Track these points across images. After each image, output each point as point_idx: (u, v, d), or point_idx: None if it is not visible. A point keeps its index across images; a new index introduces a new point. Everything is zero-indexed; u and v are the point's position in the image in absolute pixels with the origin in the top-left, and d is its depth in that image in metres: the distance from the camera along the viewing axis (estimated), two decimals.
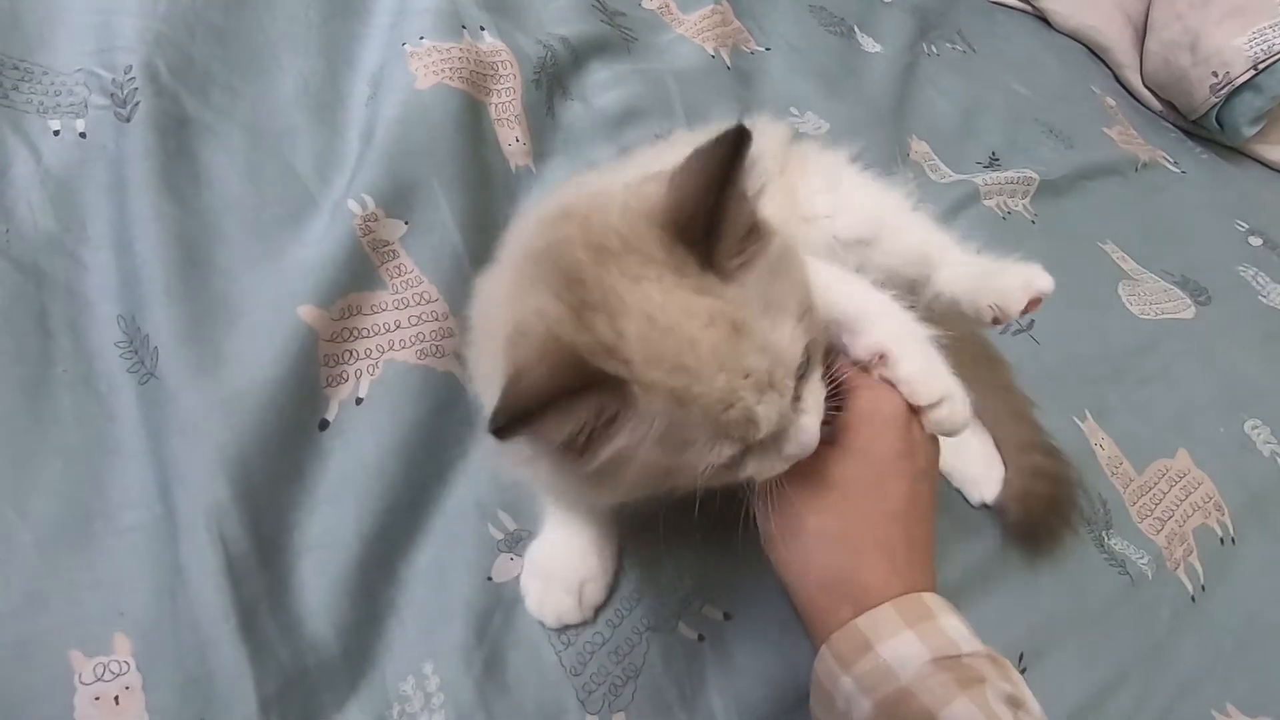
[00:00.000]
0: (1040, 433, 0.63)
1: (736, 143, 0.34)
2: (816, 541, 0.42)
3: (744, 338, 0.34)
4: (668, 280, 0.35)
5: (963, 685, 0.37)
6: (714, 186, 0.34)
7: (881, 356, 0.42)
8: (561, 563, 0.50)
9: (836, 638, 0.39)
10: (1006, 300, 0.51)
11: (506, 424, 0.33)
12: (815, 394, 0.40)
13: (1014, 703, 0.37)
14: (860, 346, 0.43)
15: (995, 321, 0.53)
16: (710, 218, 0.34)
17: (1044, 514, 0.60)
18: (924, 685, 0.37)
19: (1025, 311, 0.52)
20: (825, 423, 0.40)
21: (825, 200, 0.57)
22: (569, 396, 0.33)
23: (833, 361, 0.43)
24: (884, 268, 0.57)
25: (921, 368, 0.43)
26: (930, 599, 0.40)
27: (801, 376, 0.38)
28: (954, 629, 0.39)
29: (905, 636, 0.38)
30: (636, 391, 0.34)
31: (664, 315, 0.34)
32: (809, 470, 0.41)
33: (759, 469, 0.39)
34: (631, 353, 0.34)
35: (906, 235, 0.57)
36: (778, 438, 0.38)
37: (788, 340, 0.36)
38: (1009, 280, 0.52)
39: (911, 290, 0.58)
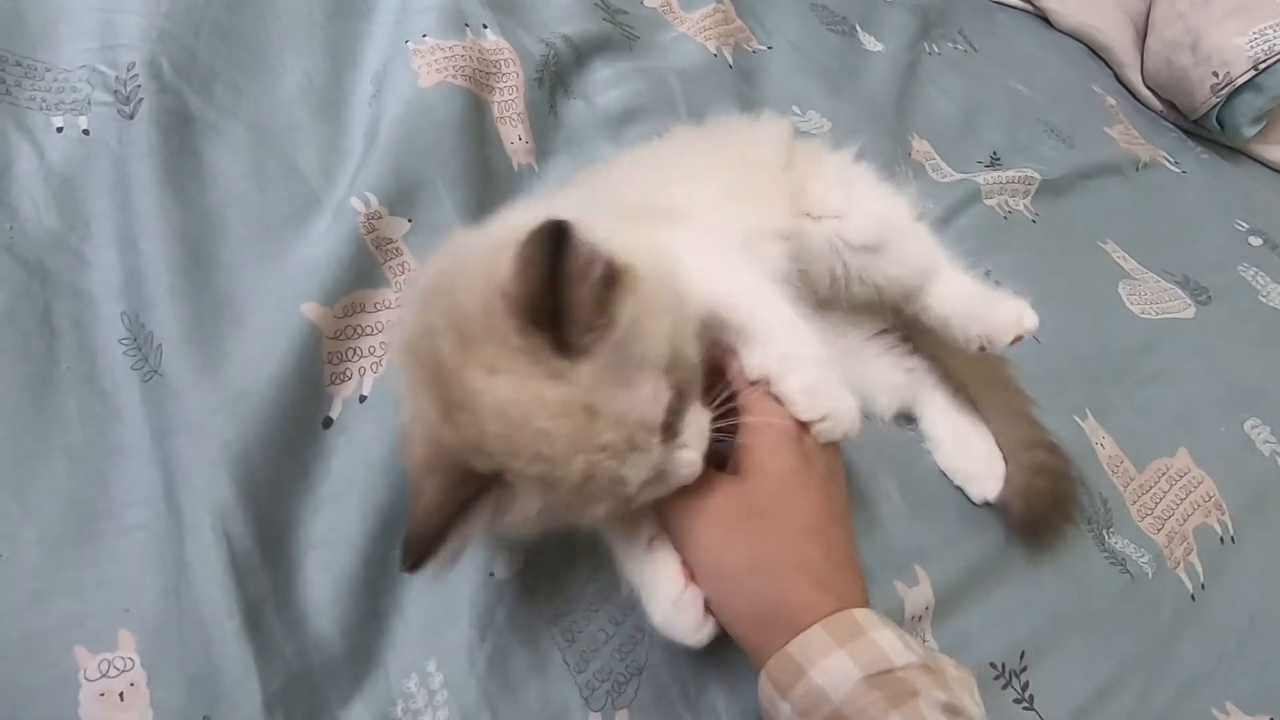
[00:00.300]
0: (1040, 429, 0.63)
1: (555, 239, 0.35)
2: (735, 576, 0.42)
3: (597, 418, 0.36)
4: (521, 370, 0.36)
5: (894, 702, 0.36)
6: (546, 283, 0.35)
7: (766, 377, 0.43)
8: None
9: (772, 664, 0.39)
10: (996, 334, 0.55)
11: (415, 564, 0.37)
12: (695, 424, 0.41)
13: (951, 710, 0.37)
14: (749, 365, 0.44)
15: (980, 349, 0.56)
16: (552, 309, 0.35)
17: (1046, 510, 0.60)
18: (855, 706, 0.37)
19: (1010, 345, 0.55)
20: (722, 441, 0.43)
21: (837, 201, 0.58)
22: (460, 509, 0.37)
23: (719, 386, 0.44)
24: (886, 275, 0.58)
25: (804, 384, 0.43)
26: (861, 615, 0.40)
27: (678, 410, 0.40)
28: (886, 642, 0.39)
29: (836, 657, 0.38)
30: (511, 479, 0.37)
31: (517, 411, 0.36)
32: (714, 505, 0.42)
33: (648, 494, 0.41)
34: (494, 449, 0.36)
35: (913, 246, 0.59)
36: (660, 473, 0.40)
37: (648, 401, 0.38)
38: (1000, 315, 0.55)
39: (905, 299, 0.60)
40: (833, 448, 0.46)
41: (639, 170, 0.62)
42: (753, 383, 0.44)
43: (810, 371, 0.44)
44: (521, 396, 0.36)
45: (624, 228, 0.43)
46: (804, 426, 0.44)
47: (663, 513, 0.44)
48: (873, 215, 0.58)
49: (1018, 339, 0.54)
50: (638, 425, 0.37)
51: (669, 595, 0.43)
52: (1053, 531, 0.61)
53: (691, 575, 0.44)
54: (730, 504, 0.42)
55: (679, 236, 0.46)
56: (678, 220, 0.50)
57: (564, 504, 0.38)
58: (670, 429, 0.40)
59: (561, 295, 0.35)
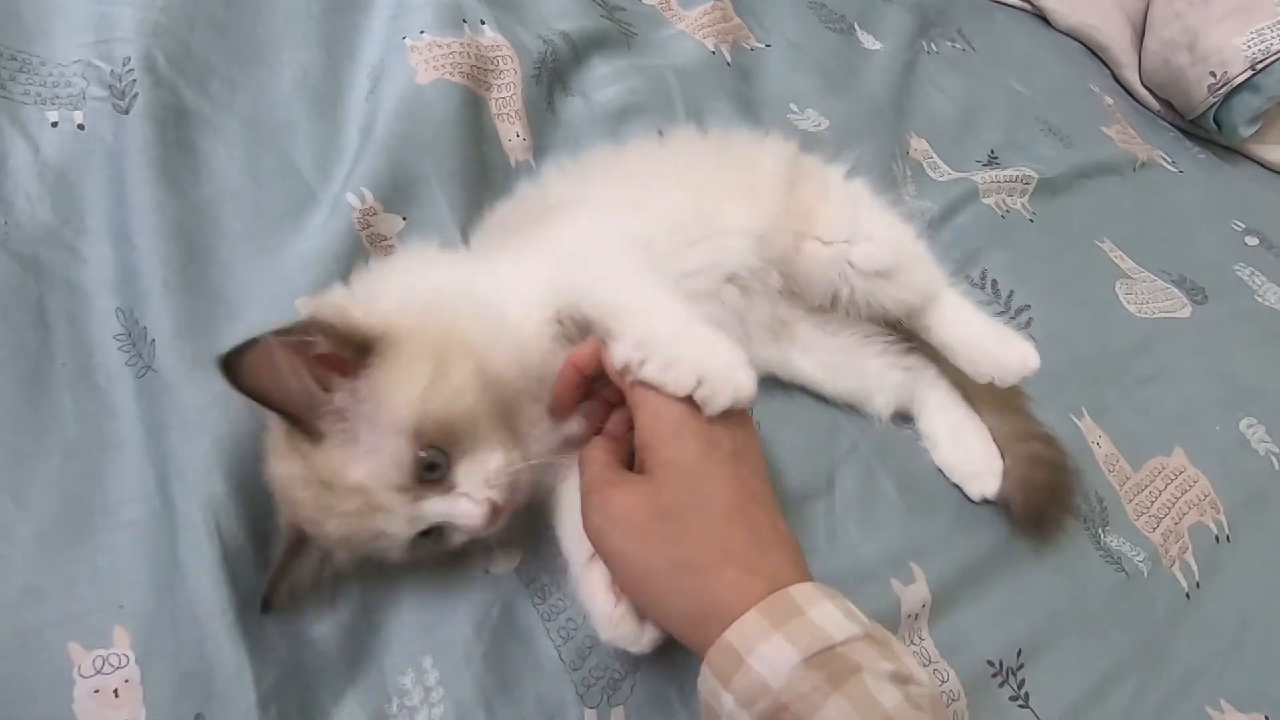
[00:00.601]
0: (1035, 423, 0.64)
1: (222, 366, 0.40)
2: (659, 580, 0.40)
3: (332, 489, 0.42)
4: (283, 453, 0.44)
5: (836, 682, 0.35)
6: (249, 396, 0.42)
7: (626, 367, 0.43)
8: None
9: (712, 654, 0.38)
10: (1003, 375, 0.59)
11: (264, 604, 0.45)
12: (478, 471, 0.43)
13: (899, 679, 0.36)
14: (615, 360, 0.44)
15: (988, 383, 0.59)
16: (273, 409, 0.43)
17: (1046, 501, 0.60)
18: (795, 693, 0.35)
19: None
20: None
21: (845, 227, 0.59)
22: (289, 556, 0.45)
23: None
24: (893, 298, 0.60)
25: (661, 362, 0.42)
26: (799, 591, 0.38)
27: (445, 459, 0.43)
28: (826, 618, 0.37)
29: (774, 641, 0.36)
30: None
31: (282, 485, 0.45)
32: (625, 511, 0.41)
33: (459, 537, 0.45)
34: (289, 514, 0.45)
35: (920, 272, 0.61)
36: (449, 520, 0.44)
37: (385, 466, 0.42)
38: (1009, 358, 0.58)
39: (907, 317, 0.62)
40: (740, 421, 0.44)
41: (629, 163, 0.64)
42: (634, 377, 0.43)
43: (664, 348, 0.42)
44: (283, 474, 0.44)
45: (435, 275, 0.51)
46: (696, 406, 0.42)
47: (584, 528, 0.44)
48: (885, 243, 0.60)
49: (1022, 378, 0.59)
50: (375, 487, 0.42)
51: (604, 611, 0.45)
52: (1054, 522, 0.61)
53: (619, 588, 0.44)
54: (640, 507, 0.41)
55: (558, 237, 0.50)
56: (580, 216, 0.53)
57: (363, 555, 0.45)
58: (443, 481, 0.44)
59: (268, 402, 0.42)
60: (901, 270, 0.60)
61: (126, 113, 0.58)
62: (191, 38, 0.64)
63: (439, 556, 0.48)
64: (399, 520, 0.43)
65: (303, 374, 0.42)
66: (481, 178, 0.67)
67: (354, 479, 0.42)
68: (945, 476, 0.63)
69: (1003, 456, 0.62)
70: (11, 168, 0.55)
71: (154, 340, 0.51)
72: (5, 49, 0.59)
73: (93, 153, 0.57)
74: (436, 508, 0.43)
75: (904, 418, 0.66)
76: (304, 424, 0.43)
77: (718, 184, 0.60)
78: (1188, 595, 0.64)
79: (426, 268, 0.54)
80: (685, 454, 0.41)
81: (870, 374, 0.65)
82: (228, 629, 0.44)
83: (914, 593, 0.56)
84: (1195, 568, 0.66)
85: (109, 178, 0.56)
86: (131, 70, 0.59)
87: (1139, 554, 0.64)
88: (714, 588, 0.39)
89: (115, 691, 0.42)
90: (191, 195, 0.58)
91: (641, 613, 0.44)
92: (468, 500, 0.43)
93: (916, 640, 0.55)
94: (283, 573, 0.45)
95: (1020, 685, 0.55)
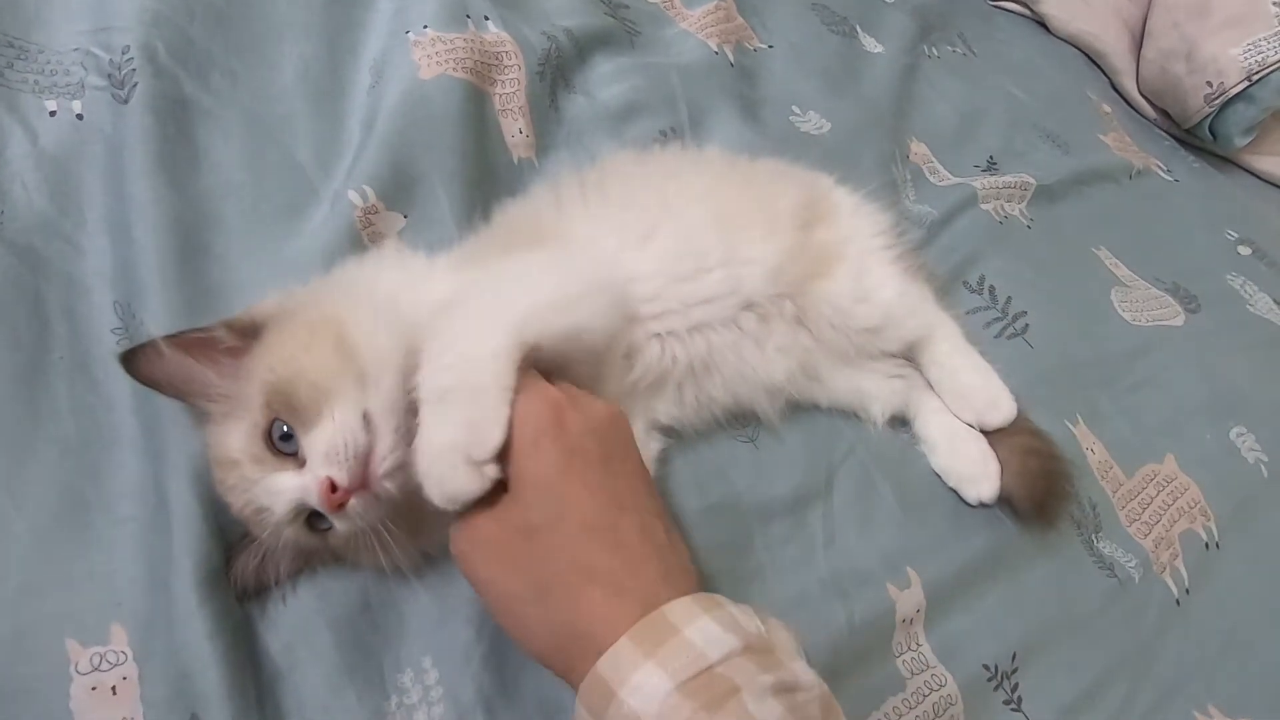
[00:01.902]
0: (1023, 417, 0.65)
1: (123, 362, 0.46)
2: (521, 607, 0.38)
3: (219, 465, 0.45)
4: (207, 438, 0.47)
5: (712, 708, 0.33)
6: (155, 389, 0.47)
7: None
8: None
9: (583, 689, 0.35)
10: (984, 423, 0.64)
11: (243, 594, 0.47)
12: (318, 445, 0.42)
13: (782, 689, 0.34)
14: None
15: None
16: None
17: (1046, 488, 0.62)
18: None
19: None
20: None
21: (850, 291, 0.62)
22: (242, 543, 0.47)
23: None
24: (883, 347, 0.64)
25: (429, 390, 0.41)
26: (674, 609, 0.36)
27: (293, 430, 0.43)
28: (703, 636, 0.35)
29: (645, 669, 0.34)
30: None
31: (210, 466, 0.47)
32: (486, 533, 0.39)
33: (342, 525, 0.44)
34: None
35: (909, 325, 0.64)
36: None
37: (244, 439, 0.44)
38: (991, 413, 0.64)
39: (903, 352, 0.66)
40: (611, 422, 0.41)
41: (650, 177, 0.63)
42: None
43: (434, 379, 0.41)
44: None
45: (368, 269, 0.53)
46: (559, 412, 0.40)
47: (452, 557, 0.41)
48: (878, 306, 0.62)
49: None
50: (244, 460, 0.43)
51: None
52: (1056, 508, 0.62)
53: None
54: (501, 527, 0.38)
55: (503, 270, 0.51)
56: (535, 265, 0.52)
57: (269, 533, 0.44)
58: (297, 455, 0.43)
59: (163, 390, 0.47)
60: (889, 329, 0.63)
61: (126, 103, 0.57)
62: (192, 28, 0.63)
63: (439, 556, 0.48)
64: (267, 495, 0.43)
65: (190, 365, 0.46)
66: (484, 175, 0.66)
67: (226, 451, 0.44)
68: (942, 481, 0.63)
69: (997, 455, 0.63)
70: (9, 157, 0.54)
71: (151, 334, 0.51)
72: (3, 36, 0.58)
73: (91, 143, 0.56)
74: (286, 482, 0.43)
75: (901, 422, 0.67)
76: (198, 407, 0.46)
77: (739, 210, 0.60)
78: (1178, 602, 0.65)
79: (371, 264, 0.54)
80: (544, 466, 0.38)
81: (867, 379, 0.65)
82: (223, 627, 0.44)
83: (909, 597, 0.56)
84: (1185, 574, 0.67)
85: (107, 168, 0.56)
86: (131, 60, 0.59)
87: (1131, 560, 0.65)
88: (579, 613, 0.36)
89: (113, 689, 0.42)
90: (190, 188, 0.57)
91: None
92: (311, 475, 0.42)
93: (914, 645, 0.55)
94: (235, 558, 0.46)
95: (1014, 689, 0.56)
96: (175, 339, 0.46)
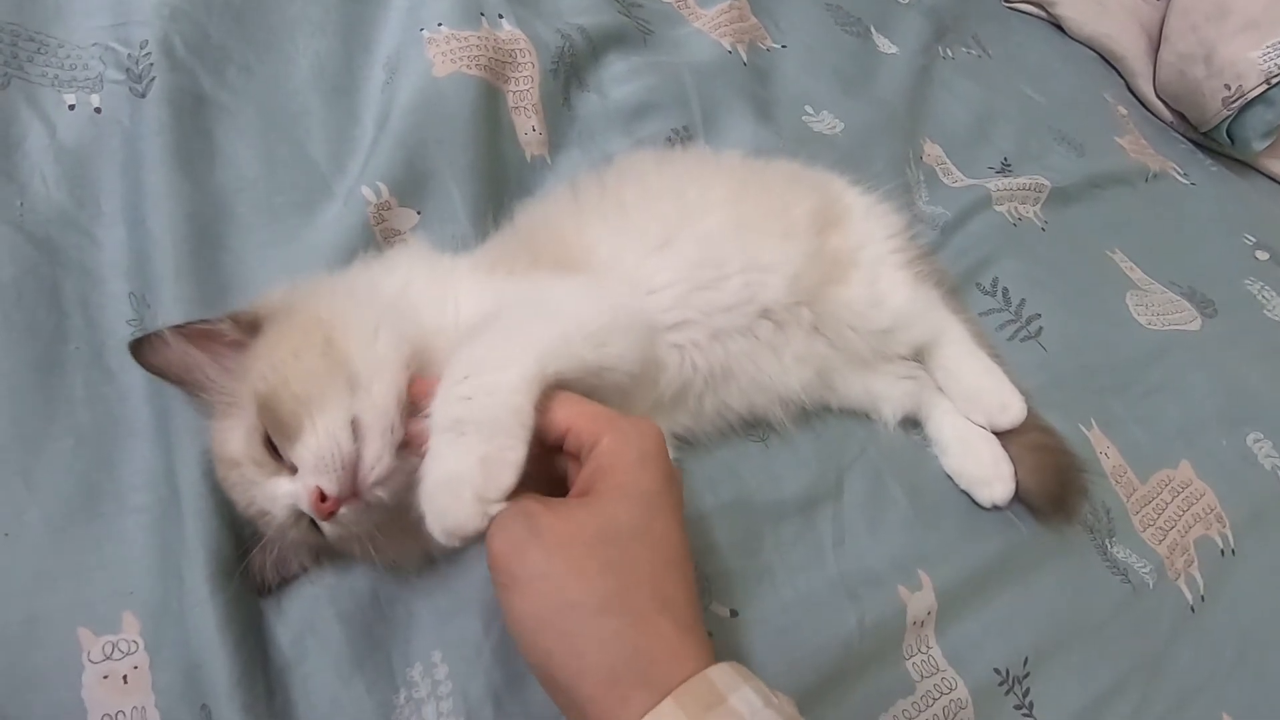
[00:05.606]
0: (1033, 415, 0.65)
1: (131, 351, 0.46)
2: (587, 617, 0.34)
3: (223, 463, 0.45)
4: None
5: None
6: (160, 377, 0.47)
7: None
8: None
9: None
10: (994, 425, 0.64)
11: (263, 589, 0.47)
12: (306, 452, 0.41)
13: None
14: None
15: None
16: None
17: (1060, 485, 0.62)
18: None
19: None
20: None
21: (864, 297, 0.63)
22: (256, 538, 0.46)
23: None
24: (893, 349, 0.65)
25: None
26: (718, 674, 0.34)
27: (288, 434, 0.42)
28: (747, 705, 0.33)
29: None
30: None
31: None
32: (554, 529, 0.36)
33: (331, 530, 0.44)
34: None
35: (918, 328, 0.65)
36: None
37: (243, 439, 0.44)
38: (1001, 417, 0.64)
39: (913, 354, 0.66)
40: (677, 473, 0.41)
41: (669, 181, 0.62)
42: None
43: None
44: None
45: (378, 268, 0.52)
46: (662, 440, 0.39)
47: (490, 545, 0.37)
48: (888, 311, 0.63)
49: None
50: (245, 462, 0.43)
51: None
52: (1072, 502, 0.62)
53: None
54: (579, 527, 0.36)
55: (526, 295, 0.50)
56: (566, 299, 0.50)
57: (273, 534, 0.44)
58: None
59: (168, 379, 0.47)
60: (899, 331, 0.64)
61: (143, 96, 0.58)
62: (209, 23, 0.63)
63: (442, 558, 0.48)
64: (266, 498, 0.43)
65: (195, 356, 0.46)
66: (497, 172, 0.66)
67: (229, 450, 0.44)
68: (954, 484, 0.63)
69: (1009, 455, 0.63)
70: (28, 149, 0.54)
71: (165, 325, 0.51)
72: (23, 29, 0.58)
73: (109, 136, 0.56)
74: (283, 487, 0.42)
75: (913, 424, 0.66)
76: (202, 399, 0.46)
77: (757, 216, 0.60)
78: (1192, 608, 0.64)
79: (387, 261, 0.54)
80: (648, 481, 0.38)
81: (879, 381, 0.65)
82: (234, 618, 0.44)
83: (920, 600, 0.56)
84: (1200, 581, 0.66)
85: (124, 161, 0.56)
86: (149, 54, 0.59)
87: (1145, 566, 0.64)
88: (647, 643, 0.34)
89: (124, 678, 0.42)
90: (206, 182, 0.58)
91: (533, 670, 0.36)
92: (300, 483, 0.41)
93: (924, 648, 0.55)
94: (251, 553, 0.45)
95: (1025, 694, 0.56)
96: (181, 329, 0.46)
